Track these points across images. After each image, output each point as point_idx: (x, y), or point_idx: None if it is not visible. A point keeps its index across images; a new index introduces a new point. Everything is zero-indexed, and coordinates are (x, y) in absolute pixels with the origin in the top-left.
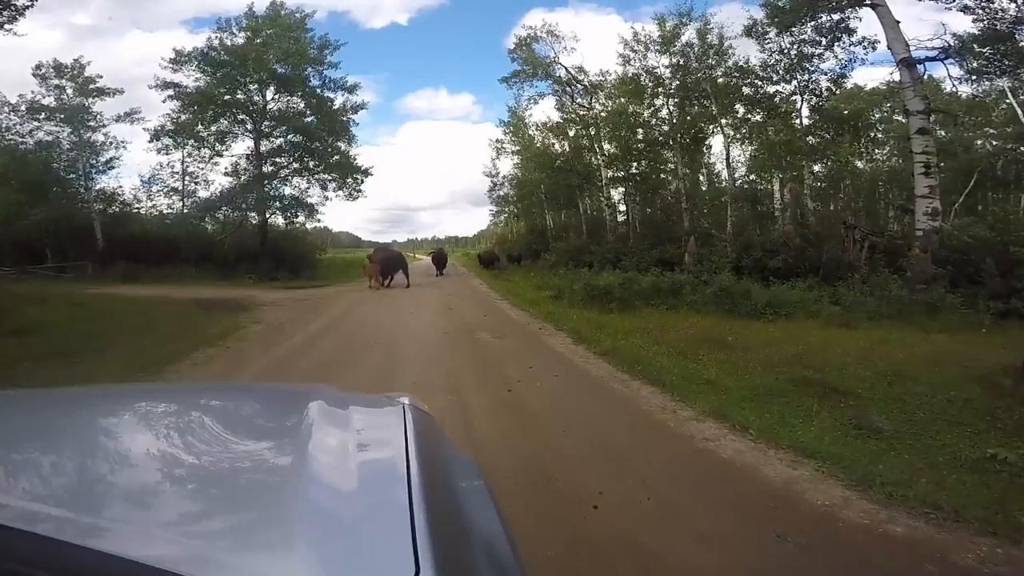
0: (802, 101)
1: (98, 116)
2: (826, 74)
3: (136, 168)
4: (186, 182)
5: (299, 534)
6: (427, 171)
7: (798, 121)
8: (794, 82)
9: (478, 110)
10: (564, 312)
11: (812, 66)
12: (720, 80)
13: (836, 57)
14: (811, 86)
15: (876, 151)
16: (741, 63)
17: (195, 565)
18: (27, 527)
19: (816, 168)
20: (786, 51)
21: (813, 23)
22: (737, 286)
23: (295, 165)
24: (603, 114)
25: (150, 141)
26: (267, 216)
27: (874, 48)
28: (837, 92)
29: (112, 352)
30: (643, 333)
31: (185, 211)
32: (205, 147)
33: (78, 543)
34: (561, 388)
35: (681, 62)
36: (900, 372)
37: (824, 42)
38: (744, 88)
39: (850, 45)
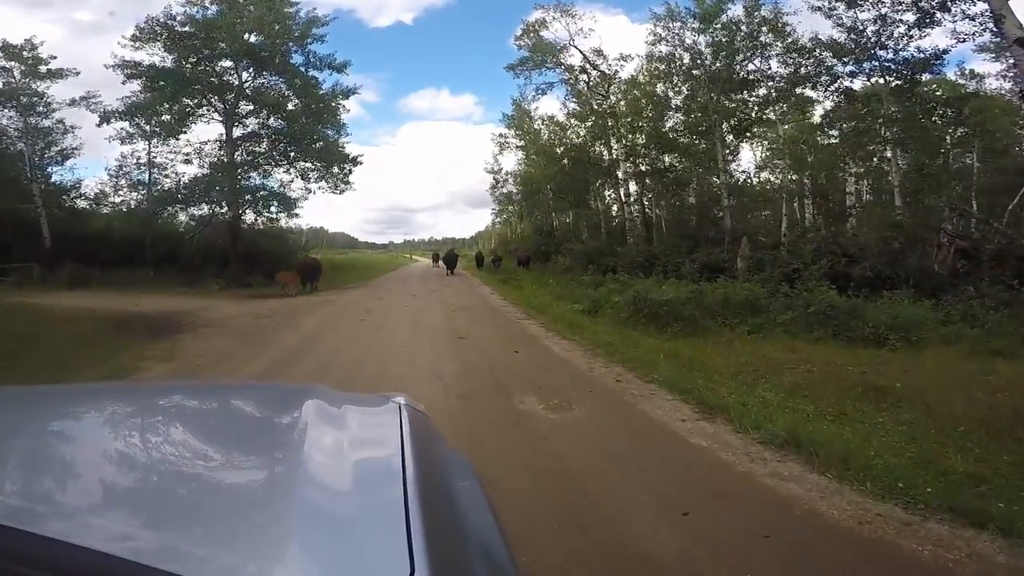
0: (885, 84)
1: (46, 98)
2: (923, 53)
3: (103, 161)
4: (152, 174)
5: (294, 533)
6: (426, 172)
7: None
8: (872, 63)
9: (479, 111)
10: (624, 340)
11: (898, 45)
12: (774, 60)
13: (954, 32)
14: (895, 67)
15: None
16: (805, 41)
17: (189, 564)
18: (22, 525)
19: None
20: (863, 28)
21: None
22: (842, 302)
23: (273, 153)
24: (623, 102)
25: (99, 125)
26: (240, 211)
27: (999, 24)
28: (937, 74)
29: None
30: (757, 376)
31: (140, 204)
32: (165, 132)
33: (72, 542)
34: None
35: (725, 40)
36: None
37: (913, 19)
38: (803, 68)
39: (957, 20)
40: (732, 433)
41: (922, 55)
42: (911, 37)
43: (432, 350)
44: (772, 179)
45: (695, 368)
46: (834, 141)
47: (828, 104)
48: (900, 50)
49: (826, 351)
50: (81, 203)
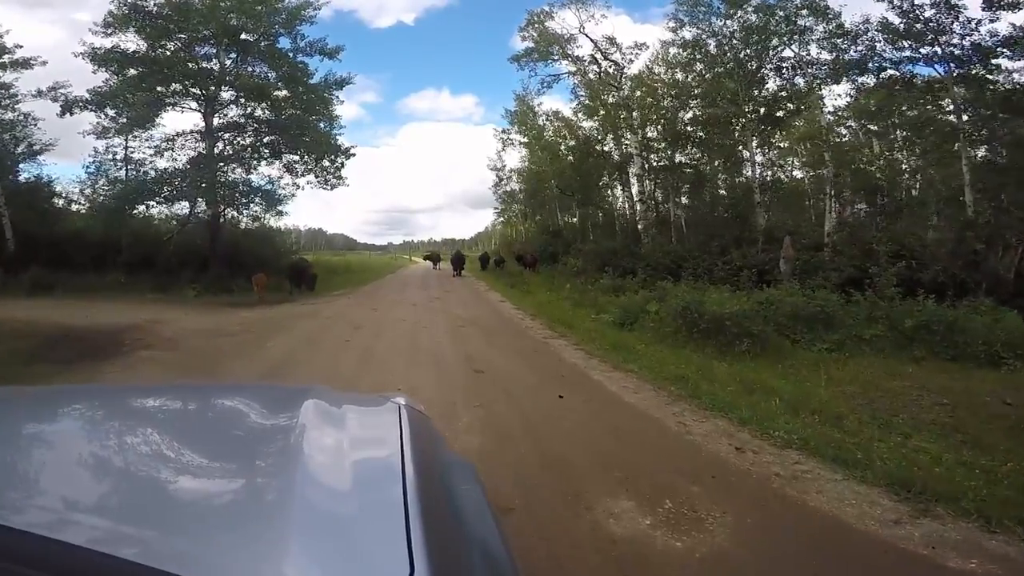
0: (950, 71)
1: (11, 90)
2: (994, 37)
3: (82, 159)
4: (129, 170)
5: (294, 533)
6: (426, 173)
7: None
8: (933, 48)
9: (480, 111)
10: (691, 367)
11: (965, 29)
12: (813, 46)
13: None
14: (960, 52)
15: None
16: (851, 25)
17: (189, 564)
18: (22, 526)
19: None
20: (921, 12)
21: None
22: (945, 315)
23: (258, 145)
24: (638, 93)
25: (60, 115)
26: (220, 209)
27: None
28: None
29: None
30: (877, 412)
31: (107, 200)
32: (135, 122)
33: (72, 543)
34: None
35: (759, 24)
36: None
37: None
38: (849, 54)
39: None
40: (984, 533)
41: (993, 39)
42: (987, 19)
43: (440, 398)
44: (810, 173)
45: (800, 408)
46: (898, 131)
47: (876, 95)
48: (967, 34)
49: (938, 375)
50: (56, 202)
